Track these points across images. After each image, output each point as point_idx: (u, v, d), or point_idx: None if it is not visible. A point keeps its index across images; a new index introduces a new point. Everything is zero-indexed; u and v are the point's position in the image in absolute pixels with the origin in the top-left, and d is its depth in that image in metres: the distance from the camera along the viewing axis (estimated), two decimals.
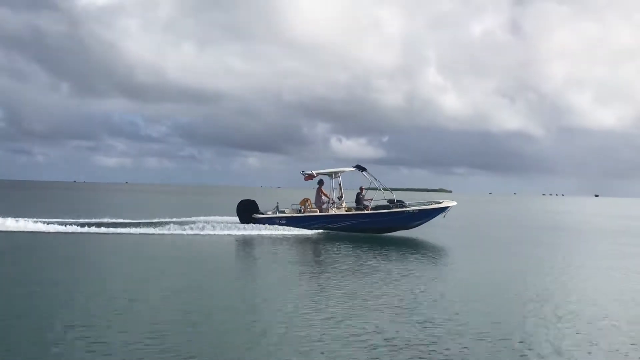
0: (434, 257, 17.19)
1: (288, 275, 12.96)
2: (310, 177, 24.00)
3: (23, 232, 20.39)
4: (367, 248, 18.31)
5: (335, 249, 17.90)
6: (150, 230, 21.43)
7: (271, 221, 22.92)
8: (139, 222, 23.46)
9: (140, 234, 20.78)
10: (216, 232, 21.60)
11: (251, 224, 22.93)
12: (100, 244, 18.18)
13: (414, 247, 19.93)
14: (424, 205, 24.17)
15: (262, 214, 23.76)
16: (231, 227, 22.31)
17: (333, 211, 23.43)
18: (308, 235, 22.03)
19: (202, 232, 21.42)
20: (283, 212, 24.06)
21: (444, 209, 24.29)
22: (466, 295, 10.81)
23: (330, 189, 24.38)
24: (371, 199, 24.64)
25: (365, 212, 23.34)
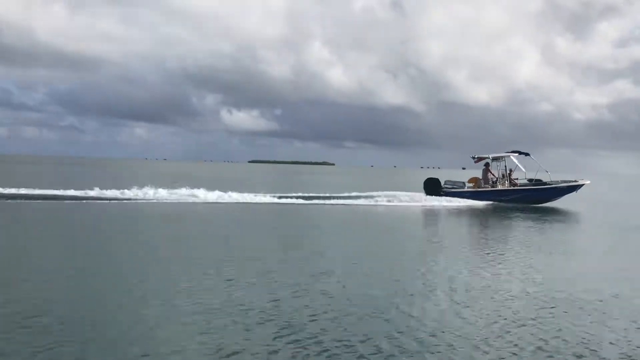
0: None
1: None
2: (480, 159, 30.81)
3: None
4: (535, 216, 24.66)
5: (513, 218, 24.23)
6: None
7: (459, 194, 29.81)
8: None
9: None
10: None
11: (438, 197, 29.82)
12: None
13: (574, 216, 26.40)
14: (567, 183, 30.98)
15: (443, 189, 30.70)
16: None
17: (500, 187, 30.30)
18: (484, 205, 28.84)
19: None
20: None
21: (579, 186, 31.14)
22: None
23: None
24: (517, 179, 31.50)
25: (528, 187, 30.24)
